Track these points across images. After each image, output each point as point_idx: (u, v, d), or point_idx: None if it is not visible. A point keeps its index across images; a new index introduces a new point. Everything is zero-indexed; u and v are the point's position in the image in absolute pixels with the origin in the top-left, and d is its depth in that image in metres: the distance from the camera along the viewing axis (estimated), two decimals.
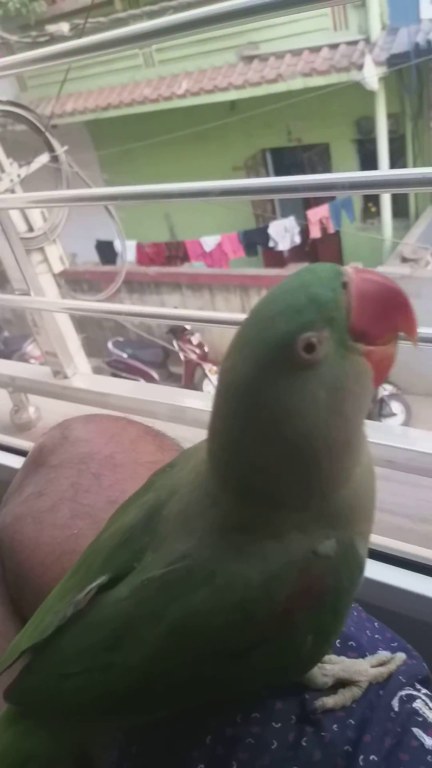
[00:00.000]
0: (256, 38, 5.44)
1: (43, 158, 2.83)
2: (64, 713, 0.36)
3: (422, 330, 0.62)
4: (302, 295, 0.30)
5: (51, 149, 2.86)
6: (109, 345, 5.08)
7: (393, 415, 4.21)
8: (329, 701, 0.40)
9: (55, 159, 2.84)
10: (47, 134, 2.84)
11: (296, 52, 5.36)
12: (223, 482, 0.33)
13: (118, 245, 5.38)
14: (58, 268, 2.18)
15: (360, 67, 5.02)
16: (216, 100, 5.56)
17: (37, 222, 2.12)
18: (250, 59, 5.60)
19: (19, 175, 2.69)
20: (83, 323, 4.89)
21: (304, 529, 0.32)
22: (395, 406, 4.27)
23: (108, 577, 0.36)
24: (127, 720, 0.39)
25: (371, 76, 5.06)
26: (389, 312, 0.31)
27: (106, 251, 5.76)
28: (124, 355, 5.05)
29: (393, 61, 5.06)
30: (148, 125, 5.61)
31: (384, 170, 0.69)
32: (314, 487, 0.32)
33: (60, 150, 2.76)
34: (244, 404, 0.31)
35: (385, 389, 4.29)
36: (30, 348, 5.05)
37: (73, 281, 5.54)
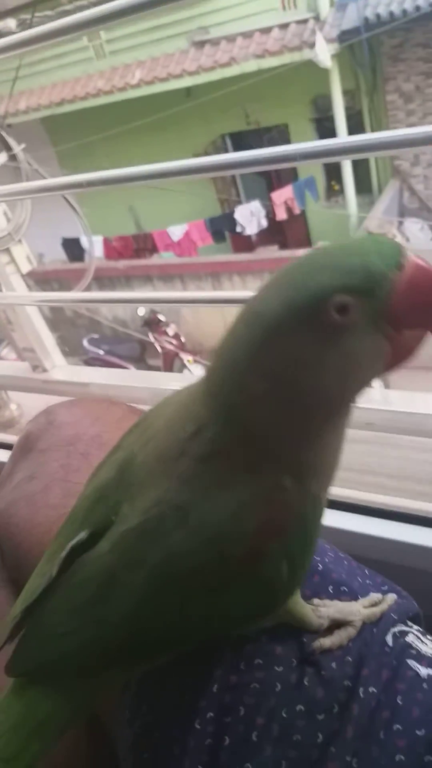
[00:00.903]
0: (206, 22, 5.40)
1: (1, 158, 2.79)
2: (67, 673, 0.37)
3: None
4: (358, 259, 0.31)
5: (8, 148, 2.83)
6: (85, 343, 5.05)
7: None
8: (326, 642, 0.42)
9: (13, 158, 2.80)
10: (3, 133, 2.80)
11: (247, 35, 5.33)
12: (216, 405, 0.34)
13: (84, 241, 5.33)
14: (26, 268, 2.16)
15: (312, 45, 5.02)
16: (171, 88, 5.52)
17: (1, 223, 2.09)
18: (201, 44, 5.55)
19: None
20: (56, 323, 4.85)
21: (274, 470, 0.34)
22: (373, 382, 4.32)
23: (87, 533, 0.37)
24: (129, 670, 0.40)
25: (323, 53, 5.06)
26: (429, 309, 0.32)
27: (73, 248, 5.71)
28: (101, 352, 5.02)
29: (344, 37, 5.07)
30: (105, 117, 5.54)
31: (341, 137, 0.70)
32: (294, 434, 0.34)
33: (17, 148, 2.73)
34: (264, 336, 0.31)
35: None
36: (5, 352, 4.99)
37: (42, 281, 5.48)
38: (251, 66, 5.26)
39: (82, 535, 0.37)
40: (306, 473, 0.35)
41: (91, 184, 0.72)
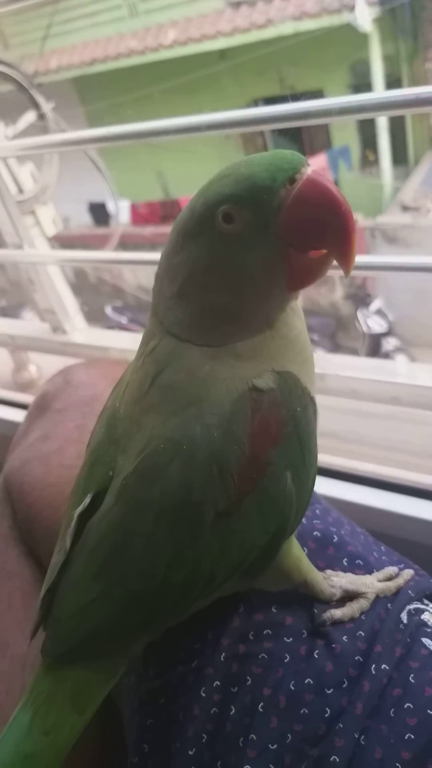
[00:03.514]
0: None
1: (30, 117, 2.76)
2: (99, 645, 0.37)
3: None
4: (247, 171, 0.32)
5: (37, 107, 2.79)
6: (108, 310, 5.04)
7: None
8: (337, 612, 0.41)
9: (41, 117, 2.77)
10: (32, 92, 2.76)
11: None
12: (164, 316, 0.36)
13: (111, 206, 5.29)
14: (51, 231, 2.14)
15: (352, 9, 4.83)
16: (204, 50, 5.38)
17: (27, 183, 2.08)
18: (237, 5, 5.38)
19: (6, 136, 2.63)
20: (80, 289, 4.84)
21: (240, 360, 0.34)
22: (400, 359, 4.27)
23: (90, 496, 0.37)
24: (155, 629, 0.39)
25: (364, 17, 4.87)
26: (319, 228, 0.32)
27: (99, 213, 5.67)
28: (124, 320, 5.02)
29: (385, 0, 4.86)
30: (135, 78, 5.43)
31: (379, 92, 0.67)
32: (228, 330, 0.34)
33: (46, 107, 2.69)
34: (176, 240, 0.35)
35: (389, 342, 4.28)
36: (28, 316, 5.02)
37: (67, 245, 5.46)
38: (288, 28, 5.09)
39: (86, 499, 0.36)
40: (271, 361, 0.35)
41: (116, 137, 0.70)
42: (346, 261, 0.32)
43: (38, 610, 0.38)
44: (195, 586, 0.37)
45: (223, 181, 0.32)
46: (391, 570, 0.46)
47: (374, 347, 3.81)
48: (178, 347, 0.35)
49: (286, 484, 0.34)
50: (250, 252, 0.32)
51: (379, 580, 0.44)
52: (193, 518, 0.34)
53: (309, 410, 0.35)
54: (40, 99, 2.75)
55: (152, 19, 5.63)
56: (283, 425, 0.34)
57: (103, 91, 5.55)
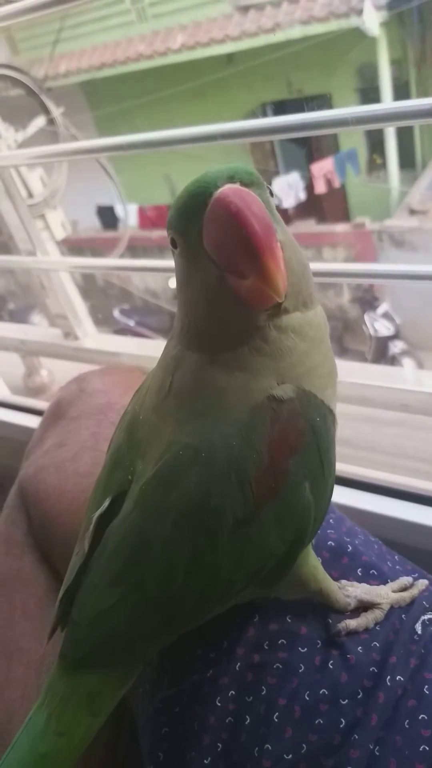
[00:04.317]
0: None
1: (39, 122, 2.78)
2: (116, 649, 0.37)
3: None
4: (180, 195, 0.33)
5: (47, 112, 2.81)
6: (116, 313, 5.06)
7: None
8: (352, 623, 0.41)
9: (51, 122, 2.78)
10: (42, 97, 2.78)
11: (293, 0, 5.16)
12: (179, 332, 0.37)
13: (119, 210, 5.31)
14: (60, 234, 2.15)
15: (359, 12, 4.83)
16: (212, 54, 5.39)
17: (37, 188, 2.09)
18: (245, 9, 5.39)
19: (16, 141, 2.65)
20: (88, 292, 4.85)
21: (254, 372, 0.34)
22: (407, 363, 4.26)
23: (109, 500, 0.37)
24: (171, 635, 0.40)
25: (371, 21, 4.87)
26: (230, 250, 0.30)
27: (108, 216, 5.68)
28: (131, 323, 5.03)
29: (393, 4, 4.85)
30: (144, 83, 5.46)
31: (389, 102, 0.67)
32: (207, 328, 0.35)
33: (56, 112, 2.71)
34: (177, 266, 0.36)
35: (396, 346, 4.27)
36: (37, 320, 5.04)
37: (75, 249, 5.48)
38: (296, 33, 5.09)
39: (105, 503, 0.37)
40: (287, 374, 0.34)
41: (129, 146, 0.70)
42: (267, 284, 0.30)
43: (56, 612, 0.39)
44: (213, 593, 0.37)
45: (174, 203, 0.34)
46: (405, 580, 0.46)
47: (381, 350, 3.81)
48: (181, 353, 0.36)
49: (304, 493, 0.35)
50: (195, 274, 0.33)
51: (394, 591, 0.44)
52: (211, 525, 0.34)
53: (328, 420, 0.35)
54: (50, 104, 2.77)
55: (161, 23, 5.65)
56: (303, 435, 0.34)
57: (112, 96, 5.58)
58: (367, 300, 4.21)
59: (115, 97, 5.47)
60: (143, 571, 0.35)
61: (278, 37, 5.15)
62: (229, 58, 5.50)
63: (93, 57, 5.84)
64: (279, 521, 0.35)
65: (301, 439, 0.34)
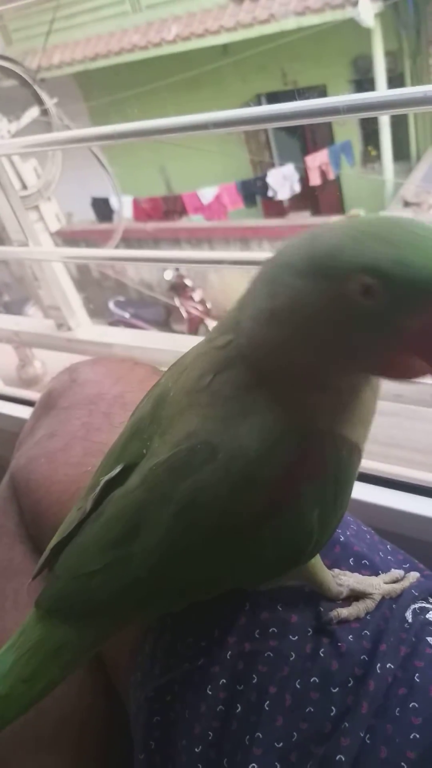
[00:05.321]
0: None
1: (33, 112, 2.76)
2: (92, 611, 0.37)
3: None
4: (404, 250, 0.27)
5: (40, 103, 2.79)
6: (111, 305, 5.05)
7: None
8: (344, 611, 0.41)
9: (45, 113, 2.76)
10: (36, 87, 2.76)
11: None
12: (236, 341, 0.33)
13: (114, 201, 5.28)
14: (54, 226, 2.14)
15: (354, 3, 4.80)
16: (207, 45, 5.35)
17: (31, 179, 2.07)
18: (240, 0, 5.36)
19: (9, 131, 2.62)
20: (82, 284, 4.84)
21: (301, 409, 0.32)
22: None
23: (121, 467, 0.37)
24: (150, 612, 0.40)
25: (366, 12, 4.85)
26: None
27: (103, 208, 5.66)
28: (126, 315, 5.02)
29: None
30: (138, 74, 5.42)
31: (383, 90, 0.66)
32: (310, 380, 0.32)
33: (50, 103, 2.69)
34: (288, 274, 0.30)
35: None
36: (32, 311, 5.02)
37: (70, 241, 5.45)
38: (291, 23, 5.06)
39: (116, 469, 0.37)
40: (337, 418, 0.33)
41: (121, 135, 0.70)
42: None
43: (43, 560, 0.39)
44: (197, 587, 0.37)
45: (372, 244, 0.28)
46: (397, 573, 0.46)
47: None
48: (234, 357, 0.33)
49: (310, 519, 0.34)
50: (361, 330, 0.28)
51: (385, 582, 0.44)
52: (210, 526, 0.34)
53: (354, 457, 0.34)
54: (44, 95, 2.75)
55: (155, 14, 5.61)
56: (324, 465, 0.33)
57: (106, 87, 5.54)
58: None
59: (109, 88, 5.43)
60: (133, 549, 0.35)
61: (273, 27, 5.12)
62: (224, 49, 5.47)
63: (87, 48, 5.80)
64: (277, 539, 0.35)
65: (321, 468, 0.33)
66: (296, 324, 0.30)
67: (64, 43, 5.87)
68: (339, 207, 5.69)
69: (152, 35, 5.50)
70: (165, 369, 0.65)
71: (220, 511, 0.33)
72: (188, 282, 4.69)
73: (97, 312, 4.78)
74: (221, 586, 0.39)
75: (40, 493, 0.52)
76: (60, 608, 0.37)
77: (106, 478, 0.37)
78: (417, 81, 5.64)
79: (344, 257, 0.28)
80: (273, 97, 6.07)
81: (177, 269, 4.52)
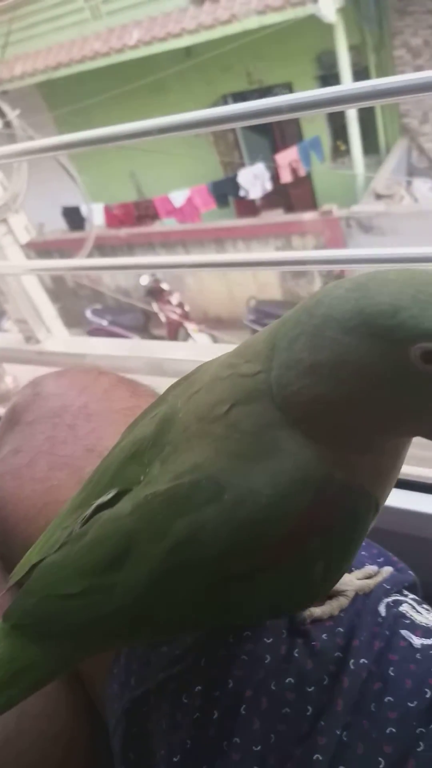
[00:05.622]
0: None
1: None
2: (63, 633, 0.36)
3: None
4: None
5: (2, 115, 2.77)
6: (88, 313, 5.02)
7: None
8: (317, 611, 0.41)
9: (7, 125, 2.74)
10: None
11: None
12: (274, 362, 0.31)
13: (84, 210, 5.26)
14: (24, 238, 2.12)
15: (315, 0, 4.83)
16: (170, 48, 5.35)
17: None
18: (201, 1, 5.37)
19: None
20: (57, 293, 4.81)
21: (323, 459, 0.30)
22: None
23: (116, 491, 0.34)
24: (125, 644, 0.38)
25: (327, 7, 4.88)
26: None
27: (74, 217, 5.64)
28: (104, 323, 5.00)
29: None
30: (103, 80, 5.41)
31: (348, 84, 0.65)
32: (342, 434, 0.30)
33: (12, 114, 2.67)
34: (330, 340, 0.28)
35: None
36: (8, 325, 4.99)
37: (43, 251, 5.43)
38: (252, 23, 5.08)
39: (111, 493, 0.35)
40: (360, 471, 0.31)
41: (85, 143, 0.69)
42: None
43: (18, 570, 0.37)
44: (177, 626, 0.36)
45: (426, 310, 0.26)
46: (370, 569, 0.45)
47: None
48: (261, 390, 0.31)
49: (312, 571, 0.32)
50: (419, 395, 0.27)
51: (358, 579, 0.44)
52: (202, 569, 0.32)
53: (370, 515, 0.33)
54: (5, 106, 2.73)
55: (115, 20, 5.59)
56: (338, 521, 0.31)
57: (70, 95, 5.52)
58: None
59: (74, 97, 5.41)
60: (116, 578, 0.33)
61: (235, 28, 5.14)
62: (187, 51, 5.48)
63: (48, 57, 5.77)
64: (274, 589, 0.33)
65: (334, 522, 0.31)
66: (343, 382, 0.28)
67: (26, 53, 5.84)
68: (311, 203, 5.72)
69: (114, 41, 5.49)
70: (131, 376, 0.64)
71: (216, 556, 0.31)
72: (165, 286, 4.68)
73: (75, 321, 4.75)
74: (208, 626, 0.37)
75: (7, 510, 0.51)
76: (29, 624, 0.36)
77: (98, 502, 0.35)
78: (382, 74, 5.69)
79: (404, 321, 0.26)
80: (239, 97, 6.09)
81: (153, 274, 4.51)
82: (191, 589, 0.33)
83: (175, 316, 4.68)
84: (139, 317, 5.03)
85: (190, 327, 4.63)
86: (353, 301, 0.28)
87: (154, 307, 4.70)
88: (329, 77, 5.65)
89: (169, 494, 0.32)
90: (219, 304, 5.19)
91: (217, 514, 0.31)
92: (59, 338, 1.05)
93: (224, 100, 6.13)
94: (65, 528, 0.36)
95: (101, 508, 0.35)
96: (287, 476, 0.30)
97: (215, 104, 6.14)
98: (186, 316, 4.71)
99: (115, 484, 0.35)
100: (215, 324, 4.99)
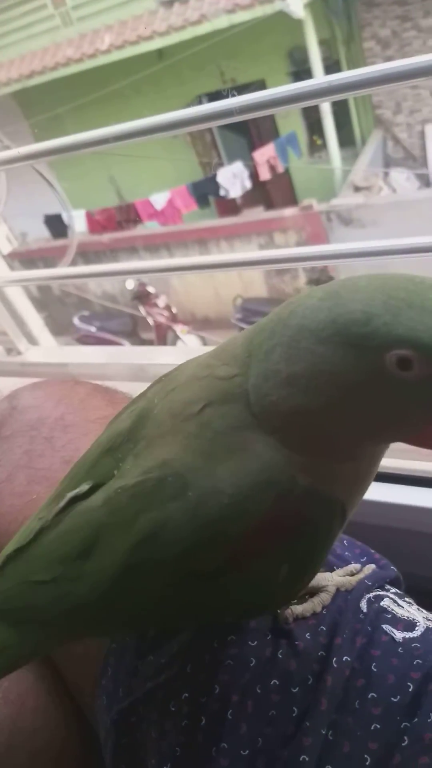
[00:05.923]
0: None
1: None
2: (35, 619, 0.36)
3: None
4: None
5: None
6: (75, 320, 5.00)
7: None
8: (298, 608, 0.41)
9: None
10: None
11: None
12: (251, 369, 0.31)
13: (65, 217, 5.23)
14: (6, 248, 2.11)
15: None
16: (142, 51, 5.35)
17: None
18: (170, 3, 5.37)
19: None
20: (44, 302, 4.80)
21: (289, 463, 0.30)
22: None
23: (90, 484, 0.35)
24: (95, 634, 0.39)
25: (296, 3, 4.89)
26: None
27: (56, 225, 5.61)
28: (93, 329, 4.98)
29: None
30: (77, 86, 5.39)
31: (320, 78, 0.65)
32: (313, 441, 0.30)
33: None
34: (305, 351, 0.28)
35: None
36: None
37: (26, 260, 5.41)
38: (222, 22, 5.09)
39: (84, 486, 0.35)
40: (332, 477, 0.31)
41: (62, 150, 0.68)
42: None
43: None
44: (142, 621, 0.36)
45: (407, 312, 0.26)
46: (352, 567, 0.46)
47: None
48: (236, 393, 0.31)
49: (276, 575, 0.33)
50: (395, 401, 0.27)
51: (339, 576, 0.44)
52: (165, 565, 0.32)
53: (336, 522, 0.33)
54: None
55: (86, 25, 5.58)
56: (302, 524, 0.31)
57: (45, 103, 5.49)
58: (323, 281, 4.23)
59: (49, 104, 5.38)
60: (84, 568, 0.33)
61: (206, 28, 5.14)
62: (159, 53, 5.47)
63: (22, 66, 5.75)
64: (237, 589, 0.33)
65: (297, 526, 0.31)
66: (320, 392, 0.28)
67: None
68: (291, 199, 5.73)
69: (86, 47, 5.48)
70: (117, 384, 0.64)
71: (178, 554, 0.32)
72: (151, 289, 4.67)
73: (63, 329, 4.73)
74: (176, 624, 0.37)
75: None
76: (4, 609, 0.36)
77: (72, 494, 0.35)
78: (353, 66, 5.69)
79: (377, 328, 0.26)
80: (213, 96, 6.05)
81: (138, 278, 4.50)
82: (154, 584, 0.33)
83: (162, 319, 4.67)
84: (127, 322, 5.01)
85: (179, 329, 4.62)
86: (326, 310, 0.28)
87: (142, 311, 4.69)
88: (301, 73, 5.65)
89: (136, 489, 0.32)
90: (206, 304, 5.19)
91: (181, 511, 0.31)
92: (42, 349, 1.04)
93: (199, 100, 6.13)
94: (41, 519, 0.37)
95: (76, 500, 0.35)
96: (251, 477, 0.30)
97: (190, 105, 6.11)
98: (174, 318, 4.70)
99: (90, 478, 0.35)
100: (203, 324, 4.99)
